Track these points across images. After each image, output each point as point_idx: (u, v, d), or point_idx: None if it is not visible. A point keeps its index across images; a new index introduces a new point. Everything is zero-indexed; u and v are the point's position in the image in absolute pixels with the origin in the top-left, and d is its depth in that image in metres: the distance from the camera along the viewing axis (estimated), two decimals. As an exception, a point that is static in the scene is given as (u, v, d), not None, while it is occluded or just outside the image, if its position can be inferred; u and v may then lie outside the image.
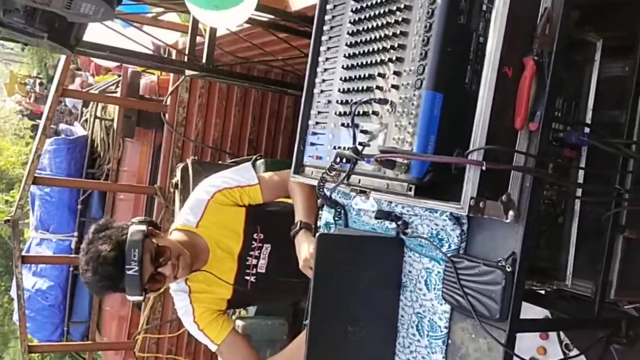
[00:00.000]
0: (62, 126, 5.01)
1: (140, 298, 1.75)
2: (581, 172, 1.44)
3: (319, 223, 1.91)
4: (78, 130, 4.84)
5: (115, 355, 4.61)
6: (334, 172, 1.64)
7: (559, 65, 1.25)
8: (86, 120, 4.92)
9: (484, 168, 1.21)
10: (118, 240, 1.71)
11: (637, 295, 1.61)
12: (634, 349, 1.55)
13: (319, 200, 1.99)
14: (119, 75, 4.43)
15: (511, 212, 1.25)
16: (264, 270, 2.05)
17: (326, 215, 1.88)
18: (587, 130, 1.43)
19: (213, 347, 1.96)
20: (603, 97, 1.45)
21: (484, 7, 1.31)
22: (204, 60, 3.06)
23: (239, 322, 2.84)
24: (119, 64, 4.64)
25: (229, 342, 1.95)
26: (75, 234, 4.50)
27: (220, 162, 4.02)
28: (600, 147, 1.37)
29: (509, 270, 1.26)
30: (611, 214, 1.44)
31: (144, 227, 1.77)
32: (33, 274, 4.54)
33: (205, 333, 1.95)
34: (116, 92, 4.45)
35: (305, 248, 1.72)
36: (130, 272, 1.67)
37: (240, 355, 1.97)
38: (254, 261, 2.03)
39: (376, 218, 1.61)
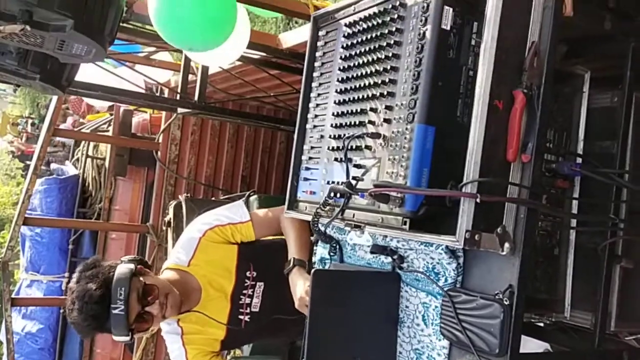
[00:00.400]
0: (53, 166, 4.99)
1: (127, 339, 1.70)
2: (575, 203, 1.44)
3: (313, 259, 1.89)
4: (69, 169, 4.82)
5: (106, 398, 4.49)
6: (328, 207, 1.63)
7: (548, 97, 1.26)
8: (78, 160, 4.92)
9: (478, 200, 1.21)
10: (104, 278, 1.69)
11: (638, 326, 1.59)
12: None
13: (313, 236, 1.98)
14: (111, 114, 4.44)
15: (507, 244, 1.24)
16: (257, 309, 2.01)
17: (321, 250, 1.86)
18: (579, 160, 1.44)
19: None
20: (594, 128, 1.47)
21: (473, 42, 1.33)
22: (196, 98, 3.08)
23: (234, 362, 2.78)
24: (110, 104, 4.67)
25: None
26: (66, 274, 4.43)
27: (213, 198, 4.00)
28: (593, 177, 1.38)
29: (506, 303, 1.24)
30: (607, 244, 1.44)
31: (131, 266, 1.75)
32: (23, 317, 4.44)
33: None
34: (108, 131, 4.46)
35: (300, 286, 1.69)
36: (116, 311, 1.64)
37: None
38: (248, 300, 2.00)
39: (371, 253, 1.59)
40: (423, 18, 1.34)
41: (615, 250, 1.48)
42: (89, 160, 4.71)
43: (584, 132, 1.46)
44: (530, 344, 1.80)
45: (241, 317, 1.99)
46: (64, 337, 4.56)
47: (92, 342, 4.24)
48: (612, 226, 1.45)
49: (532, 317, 1.60)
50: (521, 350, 1.28)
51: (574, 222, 1.46)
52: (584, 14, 1.37)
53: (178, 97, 3.19)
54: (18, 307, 4.31)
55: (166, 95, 4.11)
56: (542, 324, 1.77)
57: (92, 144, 4.76)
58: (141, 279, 1.75)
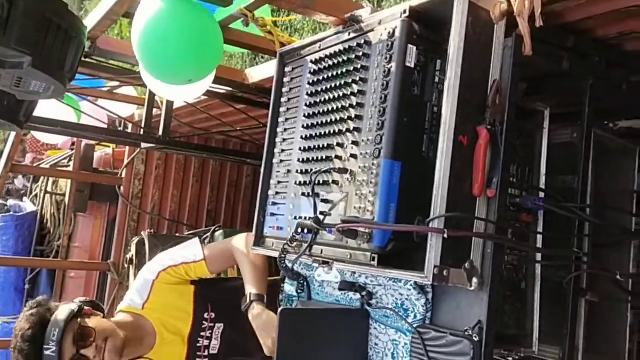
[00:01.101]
0: (10, 202, 4.82)
1: None
2: (539, 237, 1.46)
3: (281, 296, 1.85)
4: (27, 206, 4.67)
5: None
6: (295, 243, 1.61)
7: (510, 133, 1.29)
8: (36, 196, 4.76)
9: (445, 236, 1.21)
10: (41, 319, 1.67)
11: (604, 359, 1.61)
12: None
13: (275, 270, 1.94)
14: (72, 149, 4.34)
15: (475, 280, 1.24)
16: (216, 351, 1.95)
17: (288, 287, 1.83)
18: (542, 195, 1.46)
19: None
20: (555, 163, 1.50)
21: (437, 79, 1.35)
22: (160, 133, 3.04)
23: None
24: (72, 141, 4.57)
25: None
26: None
27: (177, 234, 3.92)
28: (556, 211, 1.40)
29: (476, 339, 1.24)
30: (572, 277, 1.45)
31: (74, 307, 1.72)
32: (-26, 361, 4.22)
33: None
34: (69, 166, 4.34)
35: (267, 330, 1.64)
36: (47, 352, 1.62)
37: None
38: (206, 342, 1.94)
39: (340, 289, 1.57)
40: (388, 56, 1.36)
41: (580, 283, 1.50)
42: (47, 196, 4.56)
43: (545, 166, 1.49)
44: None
45: None
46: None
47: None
48: (576, 260, 1.47)
49: (501, 353, 1.59)
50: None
51: (539, 256, 1.48)
52: (543, 54, 1.41)
53: (142, 131, 3.14)
54: (-31, 350, 4.08)
55: (130, 129, 4.05)
56: None
57: (51, 179, 4.62)
58: (79, 321, 1.70)
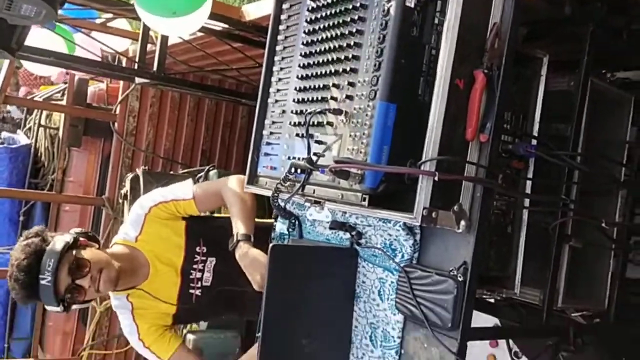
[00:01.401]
0: (4, 134, 4.79)
1: (58, 309, 1.71)
2: (529, 183, 1.48)
3: (272, 234, 1.88)
4: (21, 138, 4.64)
5: (59, 373, 4.42)
6: (288, 183, 1.63)
7: (507, 78, 1.28)
8: (30, 129, 4.73)
9: (436, 178, 1.22)
10: (36, 249, 1.69)
11: (584, 303, 1.66)
12: (581, 356, 1.60)
13: (263, 209, 1.97)
14: (65, 83, 4.27)
15: (463, 222, 1.26)
16: (209, 283, 2.01)
17: (280, 226, 1.86)
18: (534, 142, 1.47)
19: None
20: (550, 111, 1.50)
21: (436, 20, 1.33)
22: (154, 68, 3.00)
23: (190, 336, 2.77)
24: (65, 75, 4.49)
25: (178, 357, 1.90)
26: (17, 246, 4.30)
27: (172, 172, 3.94)
28: (547, 158, 1.41)
29: (460, 279, 1.27)
30: (557, 223, 1.48)
31: (68, 238, 1.74)
32: (-29, 290, 4.32)
33: (152, 350, 1.89)
34: (62, 100, 4.29)
35: (257, 267, 1.67)
36: (43, 282, 1.66)
37: None
38: (199, 274, 1.99)
39: (330, 229, 1.60)
40: (388, -6, 1.33)
41: (565, 230, 1.53)
42: (41, 129, 4.54)
43: (540, 114, 1.49)
44: (479, 319, 1.86)
45: (192, 291, 1.98)
46: (15, 310, 4.45)
47: (44, 315, 4.14)
48: (563, 206, 1.50)
49: (484, 293, 1.64)
50: (472, 325, 1.32)
51: (527, 202, 1.50)
52: (545, -3, 1.39)
53: (136, 66, 3.09)
54: (-35, 279, 4.16)
55: (124, 64, 3.98)
56: (492, 300, 1.83)
57: (44, 113, 4.58)
58: (74, 252, 1.73)
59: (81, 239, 1.80)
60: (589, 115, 1.55)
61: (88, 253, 1.77)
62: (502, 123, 1.41)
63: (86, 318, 3.97)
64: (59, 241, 1.72)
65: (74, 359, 3.94)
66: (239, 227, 1.79)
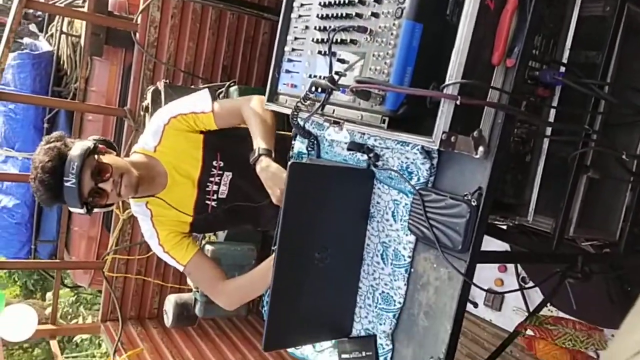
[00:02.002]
0: (26, 40, 4.77)
1: (82, 211, 1.77)
2: (552, 111, 1.45)
3: (291, 153, 1.90)
4: (43, 45, 4.61)
5: (84, 274, 4.65)
6: (308, 102, 1.62)
7: (540, 1, 1.23)
8: (52, 35, 4.70)
9: (458, 102, 1.21)
10: (59, 152, 1.73)
11: (595, 233, 1.68)
12: (587, 284, 1.63)
13: (285, 129, 1.98)
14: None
15: (481, 148, 1.26)
16: (225, 196, 2.06)
17: (299, 145, 1.88)
18: (562, 69, 1.43)
19: (180, 268, 1.99)
20: (582, 37, 1.44)
21: None
22: (176, -23, 2.91)
23: (208, 247, 2.88)
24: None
25: (196, 262, 1.98)
26: (42, 153, 4.40)
27: (192, 86, 3.92)
28: (574, 87, 1.38)
29: (474, 204, 1.29)
30: (577, 153, 1.47)
31: (90, 144, 1.78)
32: (-1, 192, 4.47)
33: (171, 255, 1.97)
34: (83, 7, 4.22)
35: (278, 181, 1.70)
36: (67, 184, 1.71)
37: (207, 274, 2.00)
38: (215, 187, 2.03)
39: (348, 150, 1.61)
40: None
41: (585, 160, 1.52)
42: (63, 36, 4.50)
43: (571, 40, 1.44)
44: (493, 245, 1.90)
45: (208, 202, 2.04)
46: (41, 214, 4.62)
47: (69, 220, 4.31)
48: (585, 137, 1.48)
49: (496, 219, 1.67)
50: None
51: (548, 131, 1.48)
52: None
53: (158, -26, 3.00)
54: (-7, 182, 4.32)
55: (145, -28, 3.87)
56: (504, 227, 1.86)
57: (66, 20, 4.52)
58: (96, 157, 1.78)
59: (100, 145, 1.84)
60: (622, 44, 1.49)
61: (108, 159, 1.81)
62: (531, 48, 1.37)
63: (110, 225, 4.13)
64: (79, 146, 1.76)
65: (98, 262, 4.13)
66: (259, 143, 1.80)
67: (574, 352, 1.58)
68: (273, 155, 1.78)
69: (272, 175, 1.71)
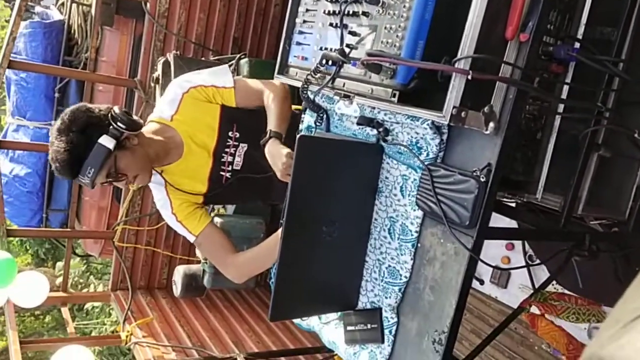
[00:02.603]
0: (38, 9, 4.75)
1: (91, 188, 1.83)
2: (565, 88, 1.44)
3: (300, 126, 1.90)
4: (54, 14, 4.59)
5: (94, 244, 4.71)
6: (318, 75, 1.61)
7: (557, -26, 1.21)
8: (62, 4, 4.68)
9: (469, 77, 1.20)
10: (77, 151, 1.71)
11: (604, 212, 1.67)
12: (594, 262, 1.63)
13: (301, 106, 1.97)
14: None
15: (492, 124, 1.25)
16: (239, 168, 2.07)
17: (308, 119, 1.87)
18: (577, 45, 1.41)
19: (191, 238, 2.00)
20: (597, 13, 1.42)
21: None
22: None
23: (217, 219, 2.90)
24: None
25: (207, 234, 2.00)
26: (53, 122, 4.41)
27: (203, 58, 3.91)
28: (588, 63, 1.36)
29: (482, 180, 1.29)
30: (589, 131, 1.46)
31: (111, 145, 1.74)
32: (10, 160, 4.48)
33: (184, 224, 1.99)
34: (94, -24, 4.19)
35: (280, 156, 1.71)
36: (82, 180, 1.75)
37: (218, 246, 2.02)
38: (230, 158, 2.04)
39: (358, 124, 1.61)
40: None
41: (596, 138, 1.51)
42: (74, 5, 4.48)
43: (587, 15, 1.41)
44: (499, 224, 1.89)
45: (222, 173, 2.05)
46: (52, 183, 4.66)
47: (81, 189, 4.35)
48: (597, 115, 1.46)
49: (505, 196, 1.66)
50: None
51: (561, 108, 1.47)
52: None
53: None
54: (5, 150, 4.34)
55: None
56: (513, 204, 1.85)
57: (77, -12, 4.50)
58: (115, 156, 1.77)
59: (125, 132, 1.78)
60: (638, 20, 1.46)
61: (127, 158, 1.80)
62: (546, 23, 1.35)
63: (120, 195, 4.16)
64: (102, 150, 1.72)
65: (108, 232, 4.18)
66: (272, 124, 1.82)
67: (571, 337, 1.60)
68: (282, 138, 1.79)
69: (278, 154, 1.73)
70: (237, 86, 1.95)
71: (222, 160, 2.03)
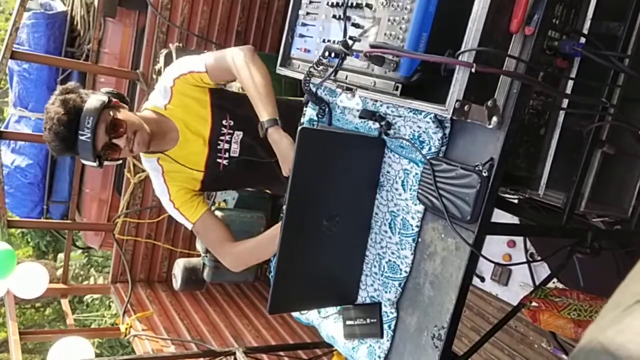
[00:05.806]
0: (40, 0, 4.74)
1: (95, 164, 1.79)
2: (570, 83, 1.42)
3: (302, 119, 1.89)
4: (57, 5, 4.58)
5: (95, 236, 4.71)
6: (321, 67, 1.61)
7: (564, -33, 1.19)
8: (65, -5, 4.67)
9: (473, 70, 1.19)
10: (75, 105, 1.73)
11: (607, 209, 1.65)
12: (596, 260, 1.62)
13: (305, 96, 1.96)
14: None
15: (495, 118, 1.24)
16: (237, 154, 2.06)
17: (310, 112, 1.86)
18: (582, 40, 1.39)
19: (189, 226, 1.99)
20: (604, 7, 1.40)
21: None
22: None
23: (218, 213, 2.89)
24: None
25: (205, 221, 1.98)
26: (55, 114, 4.41)
27: (205, 51, 3.89)
28: (593, 58, 1.35)
29: (485, 175, 1.28)
30: (593, 127, 1.44)
31: (104, 98, 1.78)
32: (12, 151, 4.48)
33: (181, 212, 1.98)
34: (97, -33, 4.18)
35: (288, 152, 1.67)
36: (82, 138, 1.72)
37: (216, 234, 2.00)
38: (226, 145, 2.04)
39: (360, 117, 1.59)
40: None
41: (601, 135, 1.49)
42: (77, -3, 4.47)
43: (593, 10, 1.39)
44: (500, 220, 1.88)
45: (219, 160, 2.04)
46: (53, 175, 4.66)
47: (82, 181, 4.35)
48: (602, 110, 1.45)
49: (506, 192, 1.65)
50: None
51: (565, 103, 1.45)
52: None
53: None
54: (7, 141, 4.34)
55: None
56: (515, 200, 1.84)
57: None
58: (111, 112, 1.78)
59: (114, 99, 1.83)
60: (646, 15, 1.44)
61: (123, 114, 1.81)
62: (551, 17, 1.33)
63: (121, 188, 4.16)
64: (95, 100, 1.75)
65: (108, 224, 4.17)
66: (261, 114, 1.75)
67: (577, 322, 1.58)
68: (279, 121, 1.73)
69: (287, 150, 1.67)
70: (209, 67, 1.91)
71: (218, 147, 2.03)
